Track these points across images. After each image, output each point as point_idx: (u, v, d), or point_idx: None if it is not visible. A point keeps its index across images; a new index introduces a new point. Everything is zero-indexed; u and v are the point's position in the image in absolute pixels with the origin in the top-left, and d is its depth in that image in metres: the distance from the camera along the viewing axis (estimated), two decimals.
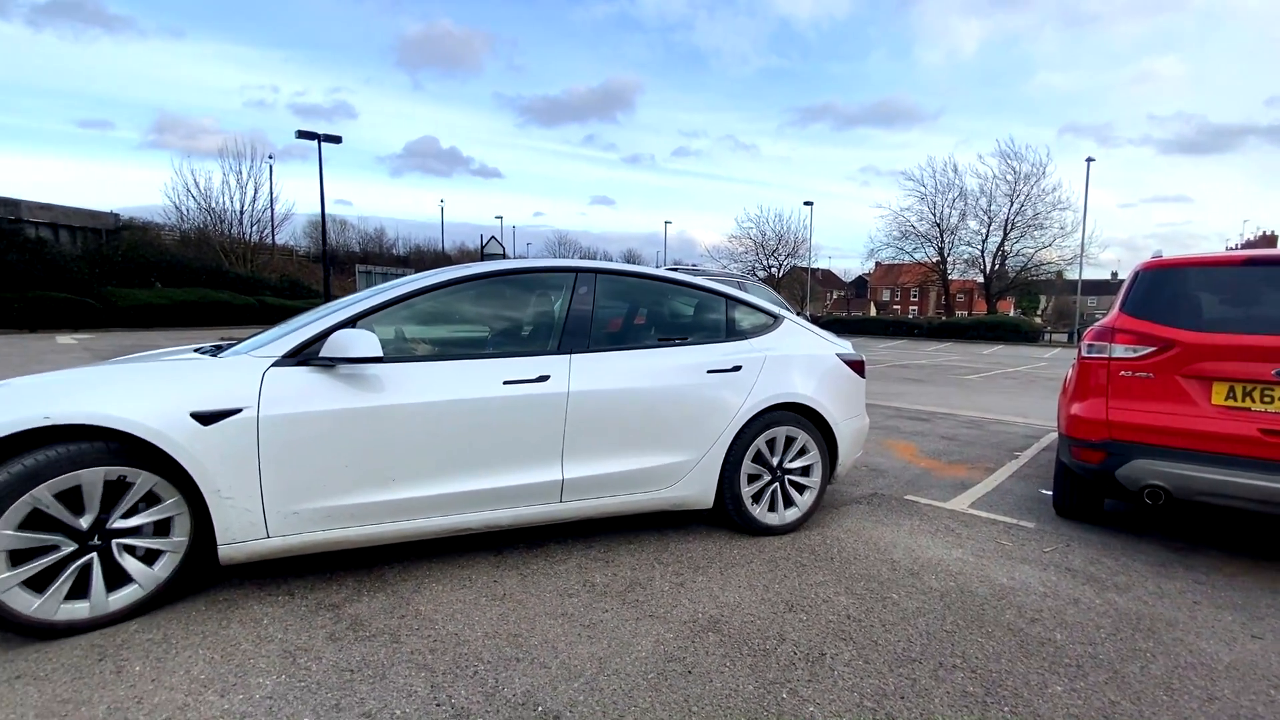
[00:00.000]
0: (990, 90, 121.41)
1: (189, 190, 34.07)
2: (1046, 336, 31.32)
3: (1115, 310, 3.59)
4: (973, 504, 4.21)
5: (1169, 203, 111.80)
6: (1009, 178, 38.58)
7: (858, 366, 3.84)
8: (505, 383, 2.76)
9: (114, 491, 2.19)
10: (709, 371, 3.26)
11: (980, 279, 41.71)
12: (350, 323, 2.60)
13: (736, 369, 3.33)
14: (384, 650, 2.20)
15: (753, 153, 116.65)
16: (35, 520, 2.07)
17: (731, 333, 3.52)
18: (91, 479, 2.12)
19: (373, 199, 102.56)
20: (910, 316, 53.73)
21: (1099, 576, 3.05)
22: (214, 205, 34.32)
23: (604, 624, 2.43)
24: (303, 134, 20.18)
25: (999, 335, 30.75)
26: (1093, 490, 3.68)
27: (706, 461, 3.23)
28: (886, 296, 78.25)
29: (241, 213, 34.83)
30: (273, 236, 38.70)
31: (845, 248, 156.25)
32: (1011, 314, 46.16)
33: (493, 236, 33.22)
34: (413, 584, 2.71)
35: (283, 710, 1.87)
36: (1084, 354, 3.56)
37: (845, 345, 3.94)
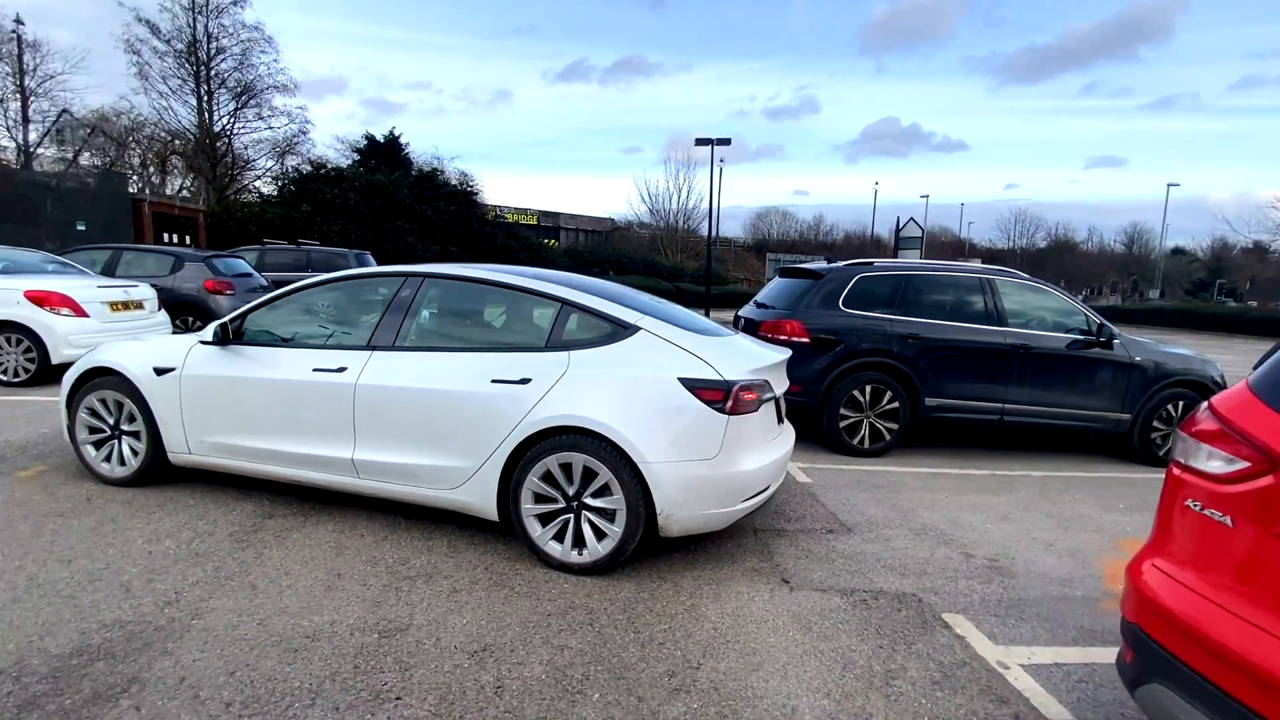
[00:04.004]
0: None
1: (642, 197, 42.86)
2: None
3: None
4: (1040, 660, 2.53)
5: None
6: None
7: (715, 396, 2.84)
8: (314, 370, 3.30)
9: (120, 409, 3.72)
10: (493, 380, 3.04)
11: None
12: (240, 317, 3.58)
13: (524, 381, 3.00)
14: (185, 563, 2.91)
15: None
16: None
17: (554, 342, 3.14)
18: (113, 398, 3.72)
19: (827, 187, 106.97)
20: None
21: None
22: (658, 206, 42.17)
23: (311, 592, 2.72)
24: (700, 141, 23.00)
25: None
26: None
27: (484, 472, 3.06)
28: None
29: (678, 211, 41.73)
30: (715, 228, 45.33)
31: None
32: None
33: (911, 218, 30.79)
34: (310, 527, 3.39)
35: (127, 552, 2.93)
36: (1174, 454, 1.78)
37: (735, 366, 2.96)
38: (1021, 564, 3.49)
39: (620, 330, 3.11)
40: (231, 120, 26.34)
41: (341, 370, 3.29)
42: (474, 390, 3.07)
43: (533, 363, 3.08)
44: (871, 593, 3.05)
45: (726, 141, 22.97)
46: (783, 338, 5.57)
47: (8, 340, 6.25)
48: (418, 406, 3.16)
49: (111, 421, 3.78)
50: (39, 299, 6.26)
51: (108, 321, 6.76)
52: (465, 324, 3.56)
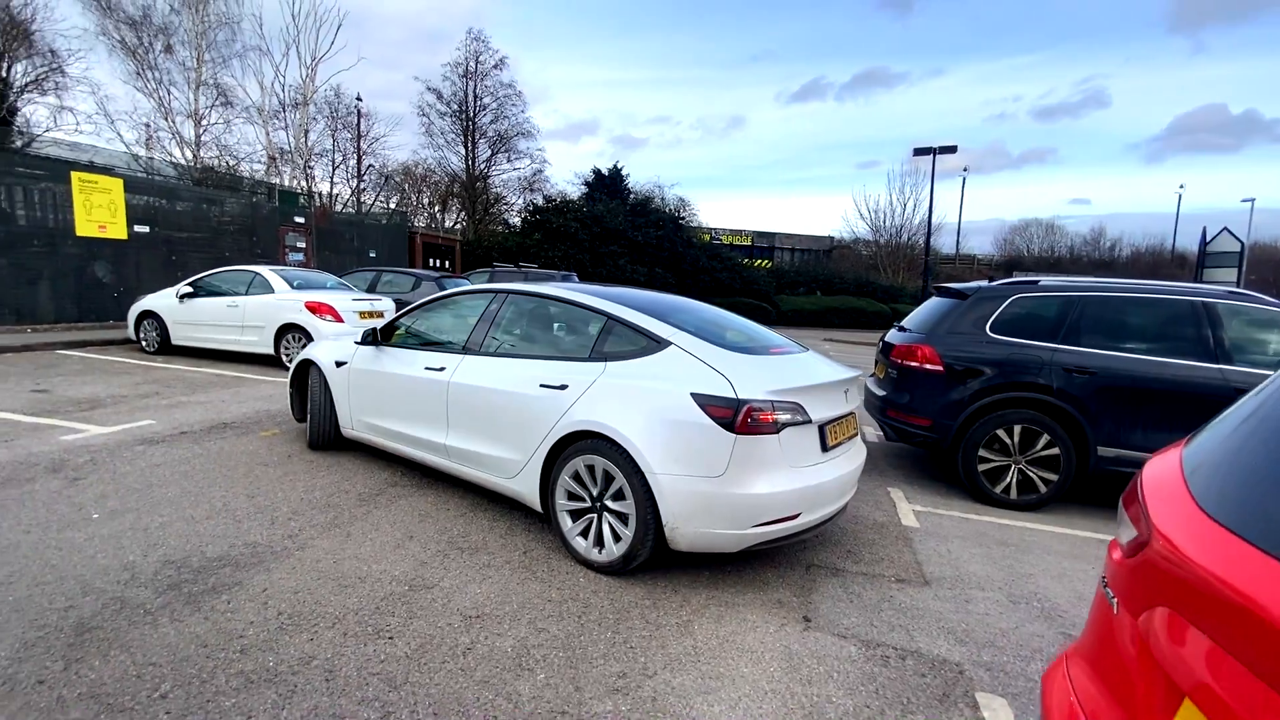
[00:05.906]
0: None
1: (861, 213, 40.41)
2: None
3: None
4: None
5: None
6: None
7: (723, 413, 2.78)
8: (425, 368, 3.98)
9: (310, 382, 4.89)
10: (541, 385, 3.40)
11: None
12: (389, 324, 4.47)
13: (563, 387, 3.32)
14: (318, 509, 3.79)
15: None
16: None
17: (595, 353, 3.40)
18: (315, 375, 4.80)
19: (1115, 195, 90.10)
20: None
21: None
22: (878, 223, 39.42)
23: (383, 546, 3.31)
24: (919, 150, 21.23)
25: None
26: None
27: (530, 466, 3.43)
28: None
29: (900, 228, 38.54)
30: (932, 243, 40.95)
31: None
32: None
33: (1224, 228, 25.62)
34: (415, 496, 4.10)
35: (289, 496, 3.87)
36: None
37: (757, 385, 2.89)
38: None
39: (653, 344, 3.25)
40: (488, 164, 31.74)
41: (442, 369, 3.94)
42: (526, 393, 3.47)
43: (574, 371, 3.36)
44: (902, 651, 2.71)
45: (951, 149, 20.95)
46: (913, 364, 5.05)
47: (293, 337, 8.47)
48: (488, 403, 3.66)
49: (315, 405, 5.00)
50: (313, 308, 8.37)
51: (358, 326, 8.71)
52: (532, 334, 3.97)
